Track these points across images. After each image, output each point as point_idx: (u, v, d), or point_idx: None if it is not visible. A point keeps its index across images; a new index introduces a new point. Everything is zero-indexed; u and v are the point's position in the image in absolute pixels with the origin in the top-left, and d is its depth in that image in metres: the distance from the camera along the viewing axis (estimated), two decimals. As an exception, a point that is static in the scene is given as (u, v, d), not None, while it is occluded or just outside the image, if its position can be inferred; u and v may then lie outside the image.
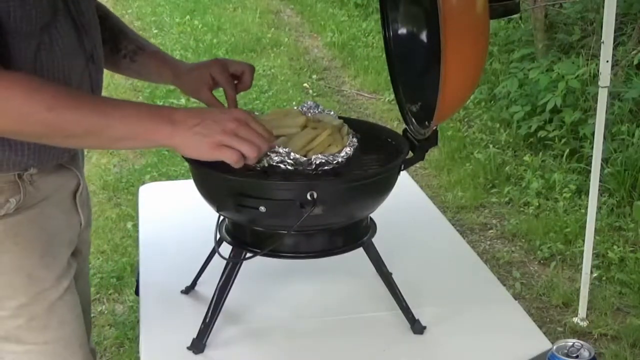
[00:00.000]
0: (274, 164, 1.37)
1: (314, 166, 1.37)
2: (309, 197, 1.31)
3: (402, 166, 1.46)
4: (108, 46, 1.65)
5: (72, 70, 1.41)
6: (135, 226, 3.37)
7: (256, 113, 1.47)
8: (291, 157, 1.37)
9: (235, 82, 1.64)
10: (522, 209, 4.23)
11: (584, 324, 3.20)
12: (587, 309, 3.23)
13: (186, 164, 1.46)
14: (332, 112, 1.54)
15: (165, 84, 1.76)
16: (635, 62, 4.67)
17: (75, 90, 1.37)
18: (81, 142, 1.37)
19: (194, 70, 1.66)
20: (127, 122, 1.27)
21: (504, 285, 2.01)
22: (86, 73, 1.46)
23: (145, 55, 1.69)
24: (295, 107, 1.59)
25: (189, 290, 1.65)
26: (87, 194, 1.63)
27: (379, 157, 1.49)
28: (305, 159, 1.37)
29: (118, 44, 1.68)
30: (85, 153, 1.70)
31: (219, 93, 1.62)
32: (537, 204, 4.20)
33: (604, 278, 3.52)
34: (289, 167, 1.37)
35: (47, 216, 1.46)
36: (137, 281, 1.73)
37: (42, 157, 1.42)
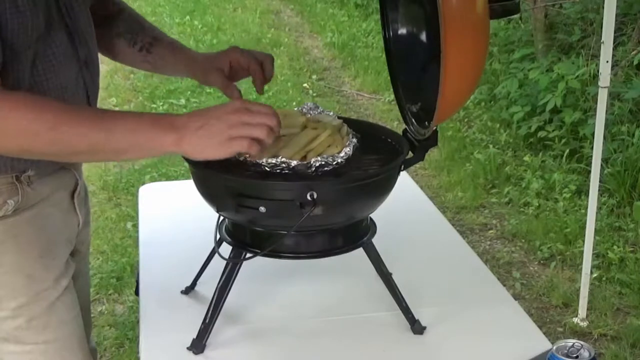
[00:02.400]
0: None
1: (313, 169, 1.37)
2: (308, 197, 1.31)
3: (402, 166, 1.46)
4: (125, 39, 1.65)
5: (67, 77, 1.42)
6: (135, 226, 3.37)
7: None
8: (290, 165, 1.36)
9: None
10: (522, 209, 4.23)
11: (584, 324, 3.20)
12: (587, 309, 3.23)
13: (186, 164, 1.46)
14: (331, 113, 1.54)
15: (181, 75, 1.74)
16: (635, 62, 4.67)
17: (77, 107, 1.37)
18: (88, 157, 1.40)
19: (210, 57, 1.65)
20: (129, 134, 1.27)
21: (504, 285, 2.01)
22: (80, 79, 1.46)
23: (161, 46, 1.67)
24: (295, 108, 1.59)
25: (189, 290, 1.65)
26: (86, 193, 1.63)
27: (378, 157, 1.49)
28: (304, 163, 1.37)
29: (134, 37, 1.66)
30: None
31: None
32: (537, 204, 4.20)
33: (604, 278, 3.52)
34: (289, 171, 1.37)
35: (45, 217, 1.46)
36: (137, 281, 1.73)
37: (41, 162, 1.42)
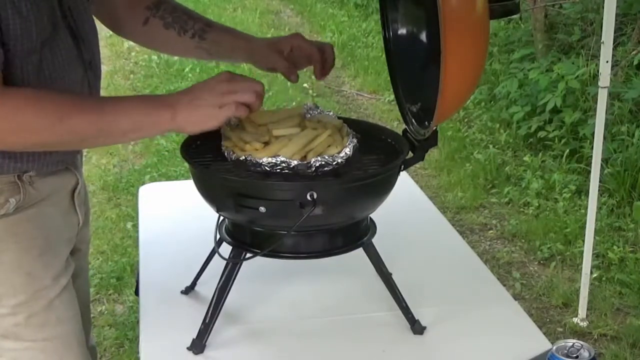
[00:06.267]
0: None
1: (313, 169, 1.38)
2: (308, 197, 1.31)
3: (402, 166, 1.46)
4: (173, 29, 1.64)
5: (73, 80, 1.43)
6: (135, 226, 3.37)
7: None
8: (290, 165, 1.37)
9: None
10: (522, 209, 4.23)
11: (584, 324, 3.20)
12: (587, 309, 3.23)
13: (186, 164, 1.47)
14: (331, 113, 1.54)
15: (238, 60, 1.75)
16: (635, 62, 4.67)
17: (78, 96, 1.42)
18: (94, 142, 1.47)
19: (270, 41, 1.65)
20: (129, 115, 1.33)
21: (504, 285, 2.01)
22: (85, 81, 1.48)
23: (215, 32, 1.66)
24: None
25: (189, 290, 1.65)
26: (85, 192, 1.64)
27: (378, 158, 1.49)
28: (304, 162, 1.37)
29: (184, 25, 1.65)
30: (85, 153, 1.71)
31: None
32: (537, 205, 4.19)
33: (603, 278, 3.52)
34: (289, 171, 1.37)
35: (45, 215, 1.47)
36: (137, 281, 1.73)
37: (41, 164, 1.44)
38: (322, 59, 1.62)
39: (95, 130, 1.33)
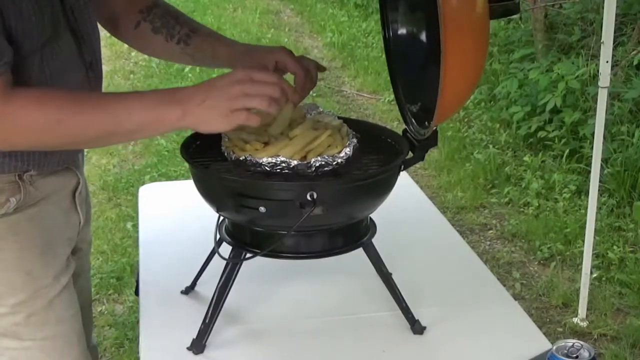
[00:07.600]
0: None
1: (313, 169, 1.38)
2: (308, 197, 1.31)
3: (402, 166, 1.46)
4: (161, 34, 1.62)
5: (74, 80, 1.43)
6: (135, 226, 3.37)
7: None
8: (290, 165, 1.37)
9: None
10: (522, 209, 4.23)
11: (584, 324, 3.20)
12: (587, 309, 3.23)
13: (186, 164, 1.47)
14: (331, 113, 1.54)
15: (222, 67, 1.68)
16: (635, 62, 4.67)
17: (79, 95, 1.38)
18: (100, 142, 1.42)
19: (255, 51, 1.59)
20: (134, 115, 1.29)
21: (504, 285, 2.01)
22: (86, 82, 1.47)
23: (199, 38, 1.63)
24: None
25: (189, 290, 1.65)
26: (87, 192, 1.64)
27: (378, 158, 1.49)
28: (304, 162, 1.37)
29: (171, 30, 1.62)
30: (85, 153, 1.70)
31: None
32: (537, 205, 4.19)
33: (603, 278, 3.52)
34: (289, 171, 1.37)
35: (46, 215, 1.47)
36: (137, 281, 1.73)
37: (42, 163, 1.44)
38: (305, 81, 1.53)
39: (96, 132, 1.30)
